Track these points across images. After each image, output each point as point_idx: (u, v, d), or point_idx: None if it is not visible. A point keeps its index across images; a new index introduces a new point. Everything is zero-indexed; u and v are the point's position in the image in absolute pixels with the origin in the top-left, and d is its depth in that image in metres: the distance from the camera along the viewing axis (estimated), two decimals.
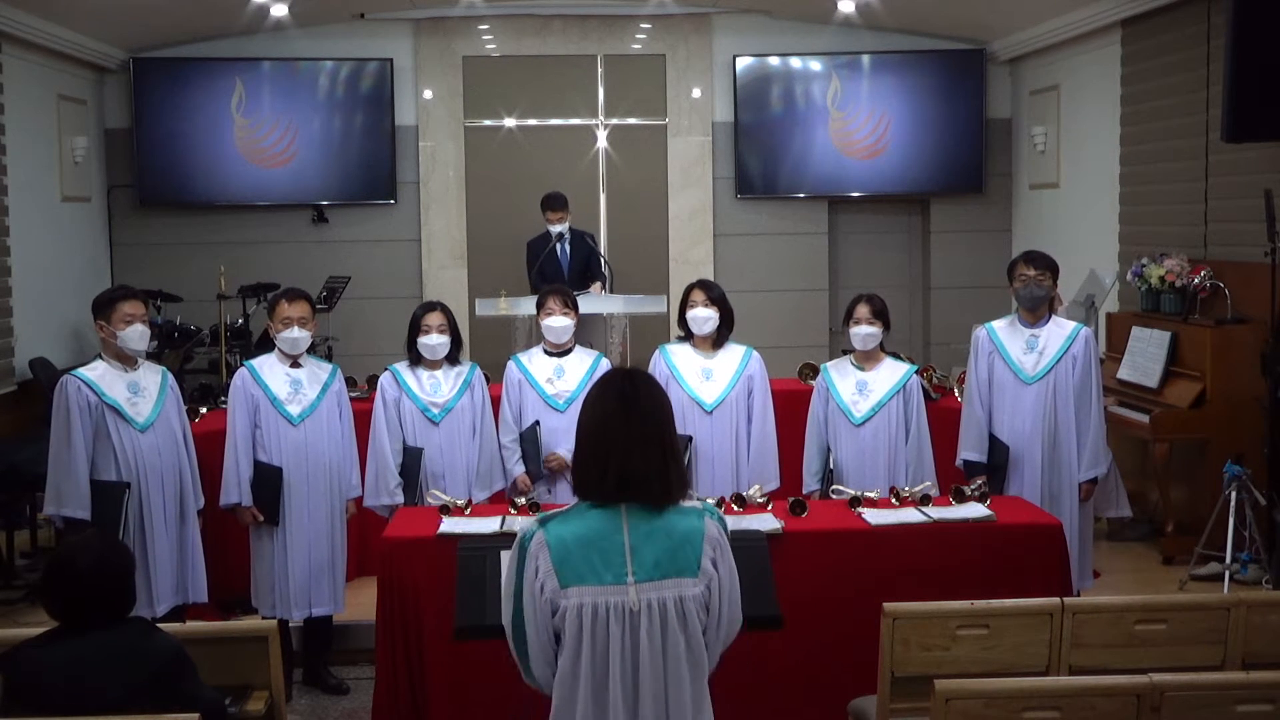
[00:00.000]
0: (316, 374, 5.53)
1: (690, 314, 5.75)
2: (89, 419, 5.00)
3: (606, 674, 2.83)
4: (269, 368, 5.48)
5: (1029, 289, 5.62)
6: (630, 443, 2.86)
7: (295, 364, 5.50)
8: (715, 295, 5.75)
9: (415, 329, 5.61)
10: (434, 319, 5.58)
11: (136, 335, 5.10)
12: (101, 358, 5.18)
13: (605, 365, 5.80)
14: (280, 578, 5.42)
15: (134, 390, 5.10)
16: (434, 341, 5.58)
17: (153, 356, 5.46)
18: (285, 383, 5.41)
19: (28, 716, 3.23)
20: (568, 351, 5.81)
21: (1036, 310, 5.67)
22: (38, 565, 7.02)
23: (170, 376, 5.30)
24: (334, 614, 5.63)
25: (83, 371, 5.12)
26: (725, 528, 2.96)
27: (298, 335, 5.44)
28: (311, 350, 5.73)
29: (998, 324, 5.80)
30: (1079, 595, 5.40)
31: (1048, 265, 5.63)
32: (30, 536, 7.58)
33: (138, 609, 4.55)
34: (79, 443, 4.97)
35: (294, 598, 5.42)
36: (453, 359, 5.67)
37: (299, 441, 5.40)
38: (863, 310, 5.62)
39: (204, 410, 6.65)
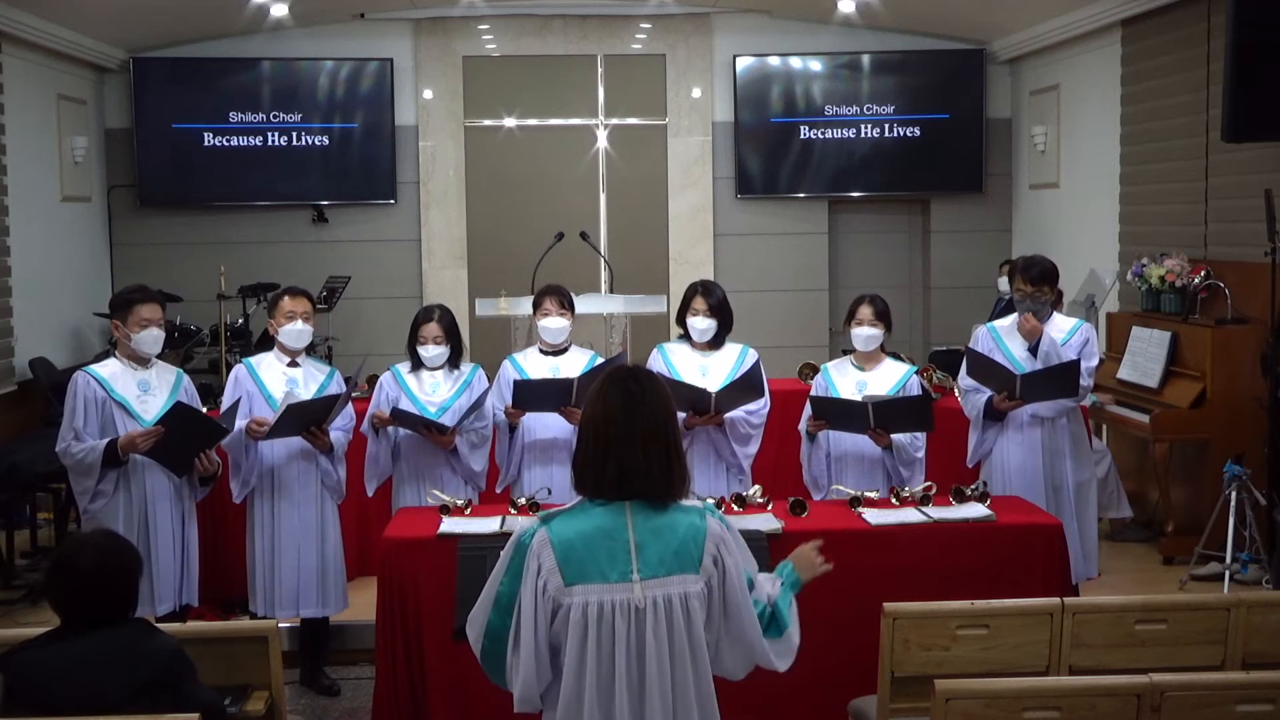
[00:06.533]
0: (313, 375, 5.52)
1: (690, 321, 5.73)
2: (95, 412, 5.00)
3: (612, 672, 2.83)
4: (266, 366, 5.48)
5: (1025, 304, 5.62)
6: (632, 438, 2.86)
7: (293, 364, 5.49)
8: (715, 304, 5.71)
9: (415, 336, 5.60)
10: (430, 330, 5.55)
11: (151, 339, 5.10)
12: (115, 355, 5.18)
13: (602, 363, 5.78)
14: (269, 577, 5.41)
15: (144, 388, 5.10)
16: (431, 353, 5.56)
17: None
18: (281, 381, 5.41)
19: (27, 717, 3.23)
20: (563, 351, 5.80)
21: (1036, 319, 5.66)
22: (38, 565, 7.03)
23: (185, 378, 5.29)
24: (329, 615, 5.61)
25: (94, 368, 5.13)
26: (728, 526, 2.96)
27: (301, 328, 5.44)
28: (312, 351, 5.72)
29: (1000, 323, 5.80)
30: (1077, 587, 5.41)
31: (1045, 278, 5.58)
32: (30, 536, 7.58)
33: (139, 608, 4.57)
34: (81, 432, 4.97)
35: (282, 598, 5.41)
36: (453, 364, 5.64)
37: (290, 441, 5.37)
38: (865, 311, 5.61)
39: (204, 410, 6.65)
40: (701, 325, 5.71)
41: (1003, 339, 5.69)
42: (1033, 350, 5.56)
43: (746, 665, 2.99)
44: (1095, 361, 5.64)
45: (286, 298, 5.48)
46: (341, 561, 5.60)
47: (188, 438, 5.05)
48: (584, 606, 2.84)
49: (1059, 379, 5.44)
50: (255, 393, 5.40)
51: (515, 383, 5.52)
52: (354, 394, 5.67)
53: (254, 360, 5.54)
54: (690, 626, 2.87)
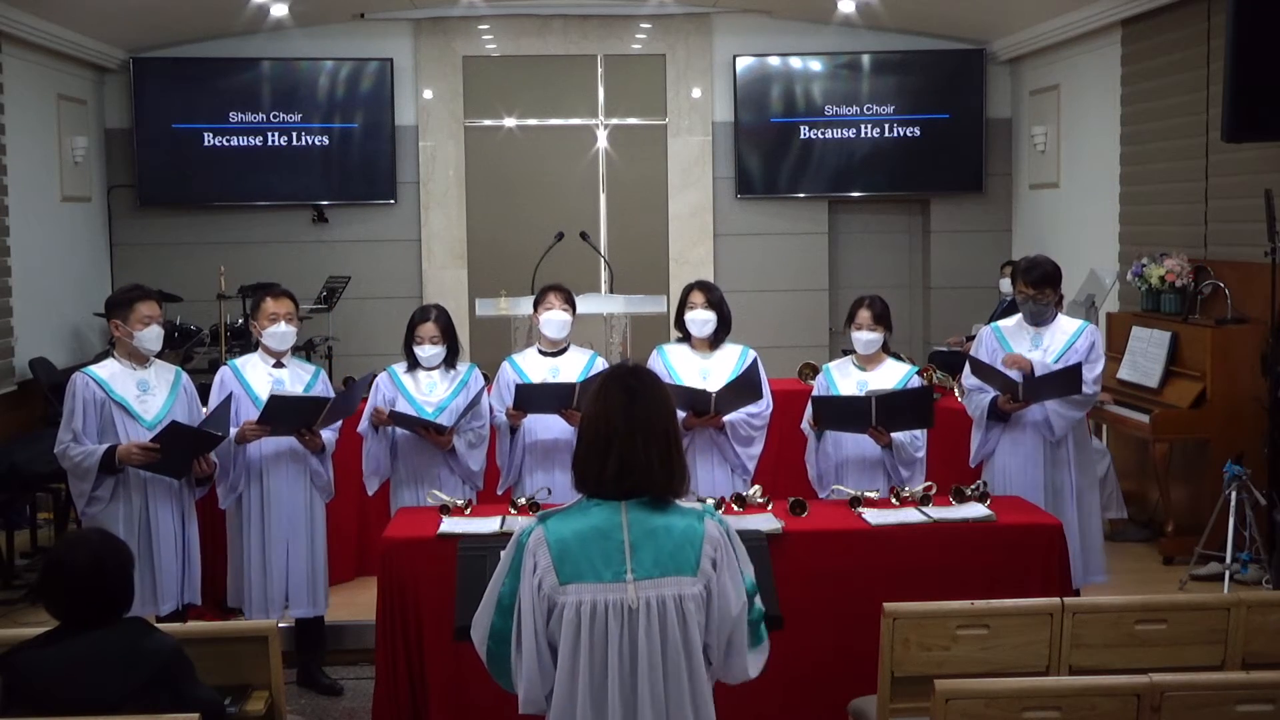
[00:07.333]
0: (299, 375, 5.51)
1: (689, 315, 5.73)
2: (94, 414, 4.99)
3: (605, 672, 2.83)
4: (251, 367, 5.47)
5: (1028, 305, 5.62)
6: (633, 434, 2.86)
7: (279, 364, 5.49)
8: (714, 298, 5.73)
9: (411, 336, 5.60)
10: (427, 330, 5.54)
11: (153, 336, 5.09)
12: (113, 355, 5.17)
13: (601, 363, 5.77)
14: (259, 578, 5.40)
15: (144, 388, 5.10)
16: (427, 353, 5.55)
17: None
18: (267, 383, 5.39)
19: (27, 717, 3.23)
20: (562, 351, 5.78)
21: (1039, 320, 5.66)
22: (38, 565, 7.03)
23: (185, 376, 5.28)
24: (321, 615, 5.60)
25: (93, 369, 5.11)
26: (728, 529, 2.95)
27: (284, 330, 5.43)
28: (311, 351, 5.71)
29: (1004, 323, 5.80)
30: (1079, 591, 5.40)
31: (1046, 280, 5.57)
32: (30, 536, 7.58)
33: (142, 608, 4.58)
34: (80, 434, 4.97)
35: (272, 598, 5.41)
36: (450, 364, 5.64)
37: (278, 442, 5.37)
38: (864, 315, 5.61)
39: (204, 410, 6.64)
40: (702, 317, 5.70)
41: (1006, 339, 5.69)
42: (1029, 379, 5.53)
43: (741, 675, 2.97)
44: (1100, 368, 5.58)
45: (269, 299, 5.46)
46: (326, 561, 5.60)
47: (184, 451, 5.05)
48: (577, 606, 2.84)
49: (1062, 381, 5.43)
50: (242, 395, 5.39)
51: (517, 387, 5.52)
52: (362, 395, 5.65)
53: (239, 362, 5.54)
54: (685, 628, 2.86)
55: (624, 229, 10.87)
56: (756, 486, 5.27)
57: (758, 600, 2.99)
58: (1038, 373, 5.52)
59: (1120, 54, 8.77)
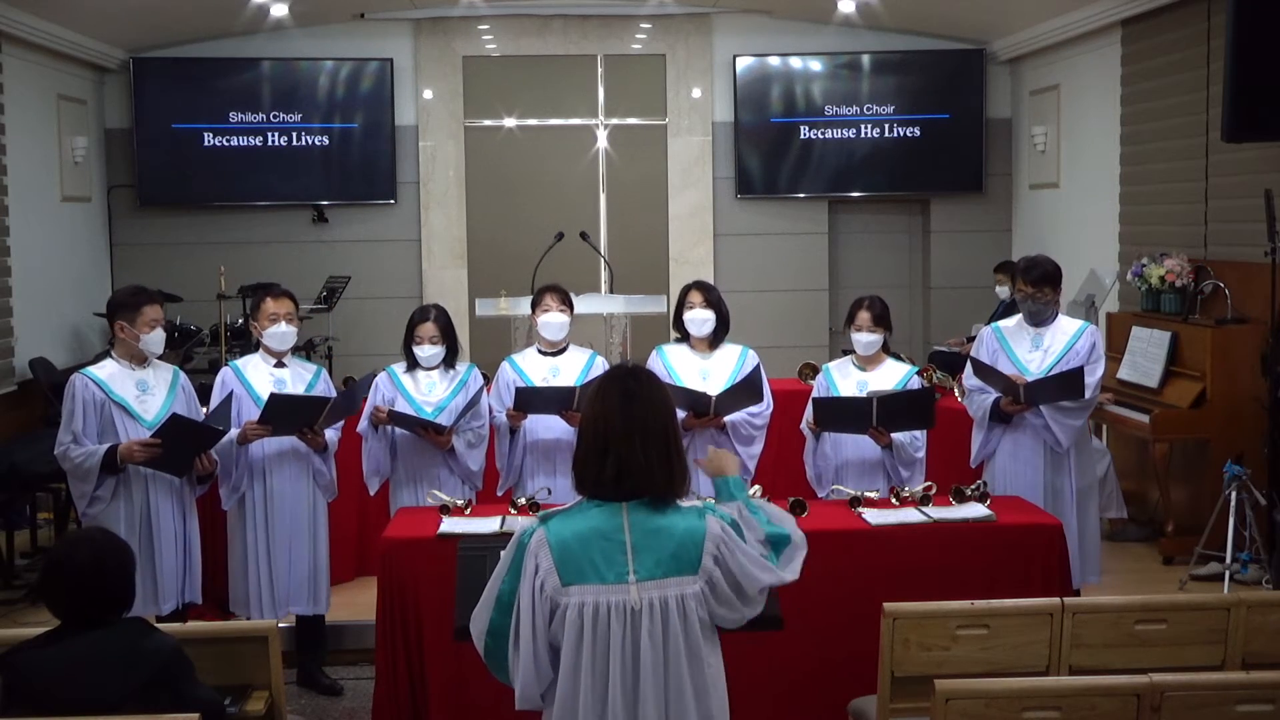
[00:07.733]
0: (300, 374, 5.51)
1: (688, 315, 5.74)
2: (94, 415, 4.99)
3: (607, 673, 2.84)
4: (253, 367, 5.47)
5: (1027, 305, 5.61)
6: (631, 435, 2.86)
7: (280, 364, 5.49)
8: (713, 297, 5.73)
9: (410, 336, 5.60)
10: (426, 330, 5.55)
11: (158, 340, 5.12)
12: (112, 356, 5.17)
13: (601, 363, 5.77)
14: (263, 577, 5.40)
15: (143, 388, 5.10)
16: (427, 353, 5.55)
17: None
18: (269, 383, 5.39)
19: (26, 717, 3.23)
20: (562, 351, 5.79)
21: (1039, 320, 5.66)
22: (38, 565, 7.03)
23: (182, 375, 5.29)
24: (322, 614, 5.60)
25: (92, 370, 5.12)
26: (729, 521, 2.95)
27: (285, 330, 5.44)
28: (311, 351, 5.71)
29: (1004, 323, 5.79)
30: (1078, 591, 5.40)
31: (1046, 279, 5.56)
32: (30, 536, 7.58)
33: (143, 607, 4.58)
34: (80, 435, 4.97)
35: (277, 598, 5.42)
36: (449, 364, 5.64)
37: (281, 441, 5.37)
38: (863, 317, 5.61)
39: (204, 410, 6.64)
40: (700, 316, 5.70)
41: (1006, 340, 5.68)
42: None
43: (755, 608, 2.96)
44: (1100, 371, 5.56)
45: (269, 300, 5.47)
46: (328, 560, 5.60)
47: (184, 446, 5.05)
48: (580, 607, 2.84)
49: (1065, 384, 5.43)
50: (244, 395, 5.39)
51: (517, 390, 5.52)
52: (364, 394, 5.65)
53: (240, 362, 5.54)
54: (687, 628, 2.87)
55: (624, 229, 10.87)
56: (757, 486, 5.26)
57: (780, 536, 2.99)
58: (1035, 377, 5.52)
59: (1120, 54, 8.77)
